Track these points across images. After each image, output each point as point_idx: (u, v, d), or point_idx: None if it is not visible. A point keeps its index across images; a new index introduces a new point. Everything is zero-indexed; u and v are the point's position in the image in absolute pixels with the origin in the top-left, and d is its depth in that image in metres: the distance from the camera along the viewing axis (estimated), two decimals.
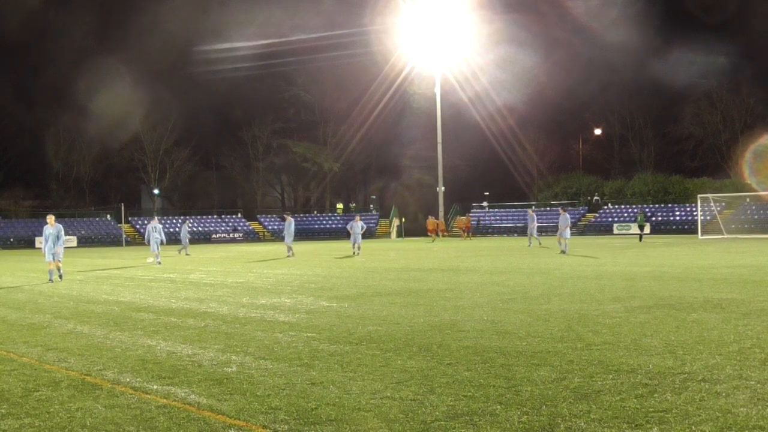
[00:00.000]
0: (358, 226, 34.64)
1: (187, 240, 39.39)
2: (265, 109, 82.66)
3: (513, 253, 31.87)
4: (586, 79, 76.64)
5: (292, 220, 35.01)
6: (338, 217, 76.45)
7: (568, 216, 30.25)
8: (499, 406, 6.42)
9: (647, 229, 60.82)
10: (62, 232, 21.13)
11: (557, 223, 66.69)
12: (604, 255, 29.26)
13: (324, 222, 75.27)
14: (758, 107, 72.00)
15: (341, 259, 30.64)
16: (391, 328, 10.79)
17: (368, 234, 68.55)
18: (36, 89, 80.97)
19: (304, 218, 77.70)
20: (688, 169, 74.17)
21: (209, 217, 74.66)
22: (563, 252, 29.63)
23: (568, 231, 29.90)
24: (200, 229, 69.70)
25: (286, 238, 34.04)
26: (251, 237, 69.93)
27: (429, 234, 57.35)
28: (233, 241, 67.61)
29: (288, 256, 32.81)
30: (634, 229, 61.91)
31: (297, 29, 74.49)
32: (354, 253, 33.79)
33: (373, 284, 18.00)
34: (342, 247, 45.14)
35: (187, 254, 37.86)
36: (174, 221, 71.69)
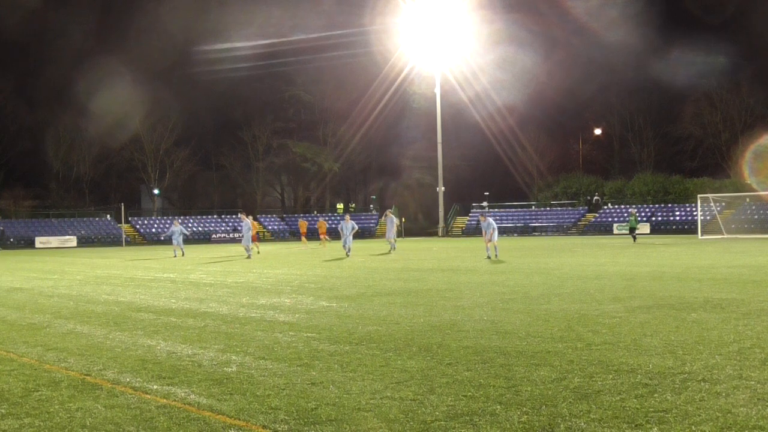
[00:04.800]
0: (348, 226, 33.47)
1: (180, 241, 37.46)
2: (265, 109, 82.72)
3: (512, 253, 31.88)
4: (586, 79, 76.74)
5: (248, 221, 34.27)
6: (338, 217, 76.48)
7: (490, 220, 28.51)
8: (499, 406, 6.42)
9: (646, 229, 61.17)
10: None
11: (557, 223, 67.27)
12: (604, 255, 29.26)
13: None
14: (758, 107, 72.02)
15: (341, 259, 30.64)
16: (391, 328, 10.79)
17: (368, 234, 68.65)
18: (36, 89, 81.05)
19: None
20: (688, 169, 74.23)
21: (209, 217, 74.65)
22: (489, 257, 27.72)
23: (496, 234, 28.10)
24: (200, 229, 69.72)
25: (244, 239, 33.25)
26: None
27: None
28: (233, 241, 67.55)
29: (248, 257, 32.49)
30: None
31: (297, 29, 74.57)
32: (346, 254, 32.72)
33: (373, 284, 18.00)
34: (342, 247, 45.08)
35: (175, 256, 36.24)
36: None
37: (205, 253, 40.43)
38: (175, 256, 36.06)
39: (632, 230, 43.82)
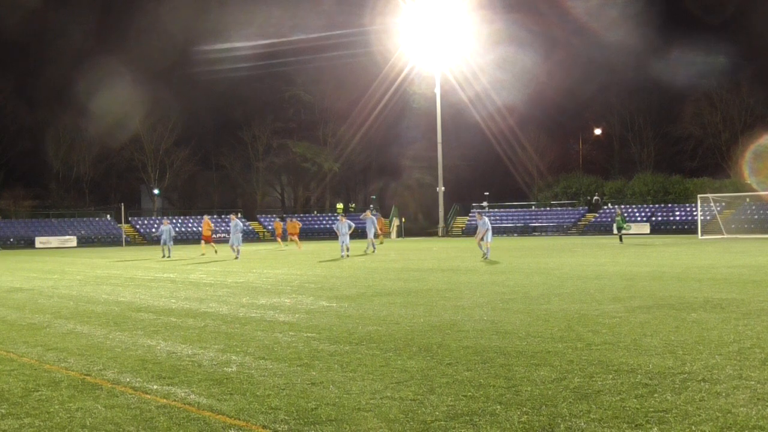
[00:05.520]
0: (344, 226, 32.42)
1: (168, 241, 36.13)
2: (265, 109, 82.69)
3: (512, 253, 31.88)
4: (586, 79, 76.68)
5: (238, 221, 33.76)
6: (338, 217, 76.41)
7: (486, 219, 27.95)
8: (499, 406, 6.42)
9: (646, 229, 61.16)
10: None
11: (557, 223, 67.27)
12: (604, 255, 29.27)
13: (324, 222, 75.28)
14: (758, 107, 71.98)
15: (340, 259, 30.63)
16: (391, 328, 10.79)
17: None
18: (36, 89, 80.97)
19: (304, 218, 77.71)
20: (688, 169, 74.19)
21: (209, 217, 74.53)
22: (485, 256, 27.30)
23: (489, 234, 27.43)
24: (200, 229, 69.60)
25: (233, 240, 32.85)
26: (251, 237, 69.93)
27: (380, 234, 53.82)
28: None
29: (235, 258, 32.11)
30: (631, 229, 61.95)
31: (297, 29, 74.53)
32: (342, 255, 31.86)
33: (373, 284, 18.00)
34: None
35: (163, 257, 35.22)
36: (174, 221, 71.63)
37: (197, 253, 40.35)
38: (164, 257, 35.18)
39: (619, 230, 42.41)
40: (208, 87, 77.94)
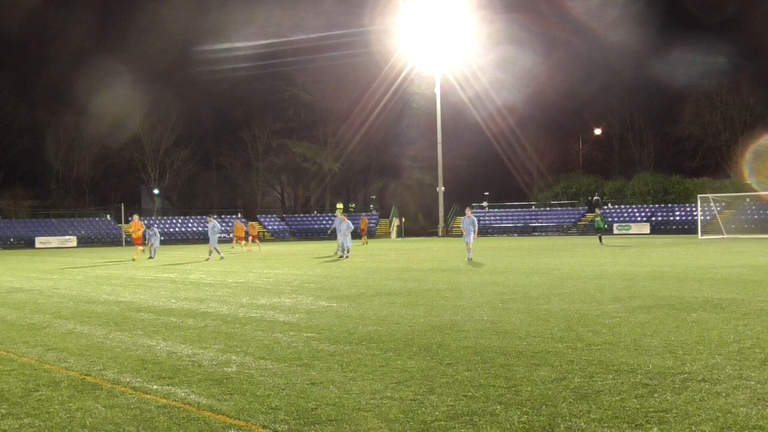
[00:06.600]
0: (345, 225, 31.18)
1: (155, 242, 35.23)
2: (265, 109, 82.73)
3: (512, 253, 31.88)
4: (586, 79, 76.79)
5: (216, 222, 33.26)
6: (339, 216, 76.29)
7: (473, 217, 26.84)
8: (499, 406, 6.42)
9: (646, 229, 61.16)
10: None
11: (557, 223, 67.26)
12: (604, 255, 29.27)
13: (324, 222, 75.25)
14: (758, 107, 72.01)
15: (340, 259, 30.61)
16: (391, 328, 10.79)
17: (368, 234, 68.53)
18: (36, 89, 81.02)
19: (304, 218, 77.72)
20: (688, 169, 74.22)
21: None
22: (470, 259, 26.45)
23: (471, 235, 26.15)
24: (200, 229, 69.71)
25: (211, 241, 32.35)
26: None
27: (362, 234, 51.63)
28: (233, 241, 67.43)
29: (208, 259, 31.50)
30: (631, 229, 62.00)
31: (297, 29, 74.64)
32: (338, 255, 31.02)
33: (373, 284, 18.00)
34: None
35: (150, 257, 34.18)
36: (174, 221, 71.60)
37: (194, 254, 40.36)
38: (152, 257, 34.44)
39: (601, 230, 41.26)
40: (208, 87, 78.11)
